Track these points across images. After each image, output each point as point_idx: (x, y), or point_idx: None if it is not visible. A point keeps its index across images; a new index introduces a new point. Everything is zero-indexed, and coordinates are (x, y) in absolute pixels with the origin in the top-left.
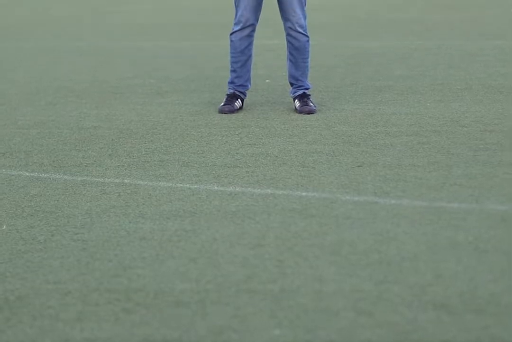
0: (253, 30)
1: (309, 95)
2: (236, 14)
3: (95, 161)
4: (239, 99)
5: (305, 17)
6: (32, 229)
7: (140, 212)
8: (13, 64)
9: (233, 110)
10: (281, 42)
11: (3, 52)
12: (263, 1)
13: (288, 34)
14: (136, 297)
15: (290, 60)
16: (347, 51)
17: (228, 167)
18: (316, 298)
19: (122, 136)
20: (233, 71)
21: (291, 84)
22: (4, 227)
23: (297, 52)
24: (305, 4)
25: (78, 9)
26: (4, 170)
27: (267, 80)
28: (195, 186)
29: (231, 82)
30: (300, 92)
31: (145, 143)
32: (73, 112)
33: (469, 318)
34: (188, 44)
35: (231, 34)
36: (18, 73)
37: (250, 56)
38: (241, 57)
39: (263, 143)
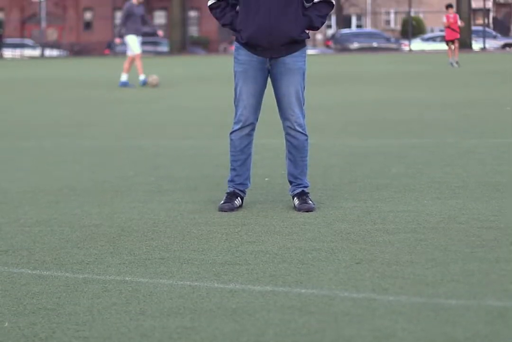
0: (253, 129)
1: (308, 193)
2: (236, 113)
3: (96, 259)
4: (239, 198)
5: (303, 116)
6: (33, 326)
7: (141, 309)
8: (15, 164)
9: (233, 208)
10: (280, 141)
11: (5, 152)
12: (263, 101)
13: (287, 133)
14: None
15: (289, 159)
16: (345, 150)
17: (228, 264)
18: None
19: (123, 234)
20: (233, 169)
21: (290, 182)
22: (6, 324)
23: (296, 150)
24: (303, 104)
25: (78, 110)
26: (6, 268)
27: (266, 179)
28: (196, 283)
29: (231, 181)
30: (299, 190)
31: (146, 241)
32: (75, 211)
33: None
34: (189, 143)
35: (231, 133)
36: (20, 172)
37: (249, 155)
38: (241, 156)
39: (262, 241)
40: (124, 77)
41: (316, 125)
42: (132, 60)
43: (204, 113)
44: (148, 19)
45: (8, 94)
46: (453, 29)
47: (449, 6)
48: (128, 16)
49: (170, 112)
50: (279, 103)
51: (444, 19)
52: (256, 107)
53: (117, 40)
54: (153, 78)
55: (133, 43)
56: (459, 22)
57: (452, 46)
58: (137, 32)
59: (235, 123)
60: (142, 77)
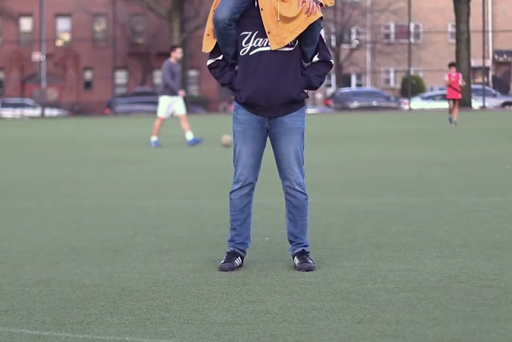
0: (252, 189)
1: (308, 252)
2: (235, 173)
3: (96, 319)
4: (239, 257)
5: (303, 176)
6: None
7: None
8: (15, 223)
9: (233, 268)
10: (280, 200)
11: (5, 211)
12: (262, 160)
13: (286, 193)
14: None
15: (289, 218)
16: (345, 209)
17: (229, 324)
18: None
19: (123, 294)
20: (233, 229)
21: (290, 241)
22: None
23: (296, 210)
24: (303, 163)
25: (78, 169)
26: (6, 328)
27: (266, 238)
28: None
29: (231, 240)
30: (299, 249)
31: (146, 301)
32: (75, 270)
33: None
34: (189, 202)
35: (231, 192)
36: (20, 232)
37: (249, 214)
38: (241, 216)
39: (263, 300)
40: (189, 135)
41: (316, 184)
42: (185, 117)
43: (204, 173)
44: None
45: (8, 154)
46: (454, 88)
47: (451, 64)
48: (170, 75)
49: (170, 171)
50: (278, 163)
51: (446, 78)
52: (256, 166)
53: (181, 93)
54: (226, 138)
55: (163, 105)
56: (460, 82)
57: (453, 105)
58: (173, 93)
59: (235, 182)
60: (154, 139)
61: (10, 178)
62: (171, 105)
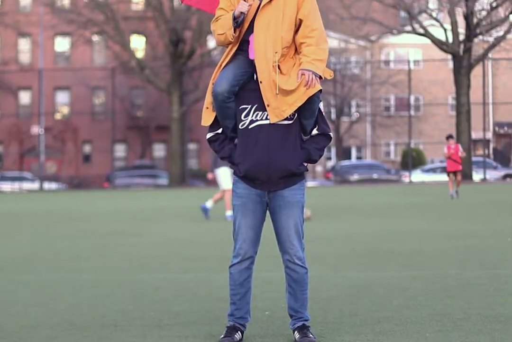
0: (252, 263)
1: (309, 326)
2: (235, 247)
3: None
4: (239, 332)
5: (303, 249)
6: None
7: None
8: (13, 297)
9: None
10: (280, 274)
11: (3, 285)
12: (262, 234)
13: (286, 267)
14: None
15: (289, 292)
16: (345, 282)
17: None
18: None
19: None
20: (232, 303)
21: (291, 315)
22: None
23: (296, 284)
24: (303, 237)
25: (77, 243)
26: None
27: (266, 312)
28: None
29: (231, 315)
30: (300, 323)
31: None
32: None
33: None
34: (188, 276)
35: (230, 266)
36: (18, 306)
37: (249, 288)
38: (240, 290)
39: None
40: (209, 203)
41: (316, 257)
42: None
43: (204, 247)
44: None
45: (7, 227)
46: (454, 160)
47: (449, 137)
48: None
49: (169, 245)
50: (278, 236)
51: (445, 150)
52: (255, 240)
53: (209, 176)
54: (306, 212)
55: (224, 177)
56: (460, 153)
57: (453, 178)
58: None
59: (234, 256)
60: (229, 213)
61: (8, 251)
62: (230, 175)
